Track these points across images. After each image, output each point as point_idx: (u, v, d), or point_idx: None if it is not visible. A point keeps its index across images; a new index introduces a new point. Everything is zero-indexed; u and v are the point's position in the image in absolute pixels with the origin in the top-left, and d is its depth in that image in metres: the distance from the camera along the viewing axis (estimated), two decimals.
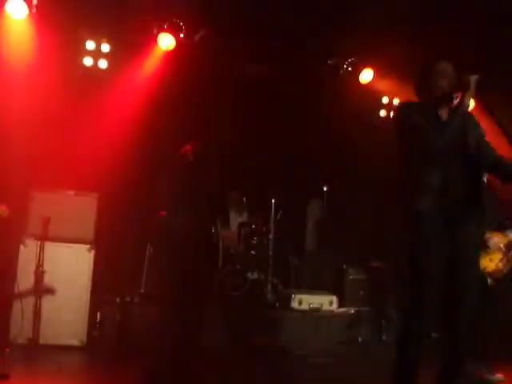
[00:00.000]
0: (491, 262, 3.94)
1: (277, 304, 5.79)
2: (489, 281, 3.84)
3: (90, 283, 4.78)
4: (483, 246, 3.84)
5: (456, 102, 2.83)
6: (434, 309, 2.85)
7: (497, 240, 3.99)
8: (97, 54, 5.94)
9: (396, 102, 6.96)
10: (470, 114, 2.96)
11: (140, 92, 6.13)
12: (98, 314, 4.93)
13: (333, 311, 5.69)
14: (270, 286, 6.00)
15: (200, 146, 5.19)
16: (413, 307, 2.84)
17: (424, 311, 2.80)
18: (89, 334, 4.75)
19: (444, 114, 2.92)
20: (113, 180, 5.66)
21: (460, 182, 2.83)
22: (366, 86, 6.77)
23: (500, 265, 3.94)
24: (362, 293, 5.84)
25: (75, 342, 4.64)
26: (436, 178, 2.81)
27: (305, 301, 5.64)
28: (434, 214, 2.82)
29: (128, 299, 5.27)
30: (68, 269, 4.74)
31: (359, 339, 5.42)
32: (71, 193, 4.96)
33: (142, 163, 6.07)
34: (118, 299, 5.15)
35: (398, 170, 3.03)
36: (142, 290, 5.51)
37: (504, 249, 4.00)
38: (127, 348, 4.68)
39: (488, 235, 3.95)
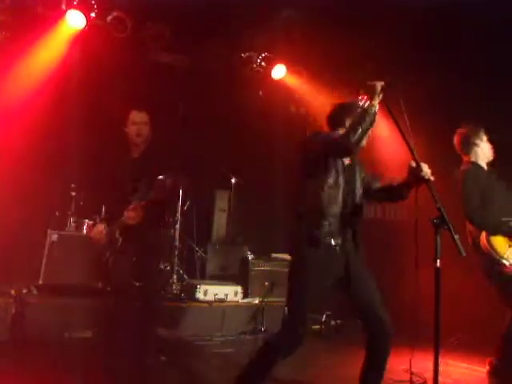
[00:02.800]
0: None
1: (182, 295, 5.79)
2: None
3: None
4: None
5: (364, 105, 2.91)
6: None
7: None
8: None
9: (306, 98, 7.12)
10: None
11: (42, 71, 5.72)
12: None
13: (237, 302, 5.79)
14: (175, 277, 5.98)
15: None
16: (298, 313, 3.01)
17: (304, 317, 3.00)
18: None
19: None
20: (10, 164, 5.27)
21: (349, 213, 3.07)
22: (279, 82, 6.88)
23: None
24: (266, 283, 5.98)
25: None
26: (337, 204, 3.02)
27: (210, 291, 5.68)
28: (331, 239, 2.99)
29: (25, 291, 4.97)
30: None
31: (262, 329, 5.56)
32: None
33: (46, 147, 5.70)
34: (12, 291, 4.82)
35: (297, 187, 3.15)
36: (40, 282, 5.22)
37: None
38: (22, 345, 4.39)
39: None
